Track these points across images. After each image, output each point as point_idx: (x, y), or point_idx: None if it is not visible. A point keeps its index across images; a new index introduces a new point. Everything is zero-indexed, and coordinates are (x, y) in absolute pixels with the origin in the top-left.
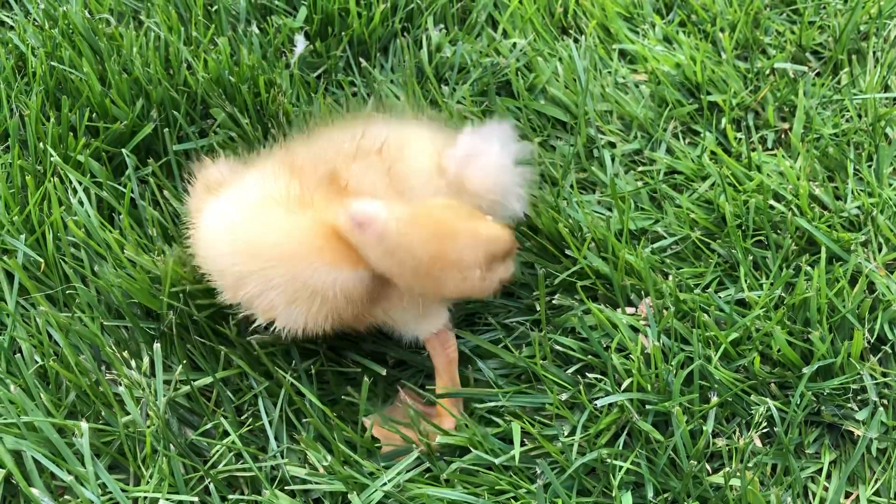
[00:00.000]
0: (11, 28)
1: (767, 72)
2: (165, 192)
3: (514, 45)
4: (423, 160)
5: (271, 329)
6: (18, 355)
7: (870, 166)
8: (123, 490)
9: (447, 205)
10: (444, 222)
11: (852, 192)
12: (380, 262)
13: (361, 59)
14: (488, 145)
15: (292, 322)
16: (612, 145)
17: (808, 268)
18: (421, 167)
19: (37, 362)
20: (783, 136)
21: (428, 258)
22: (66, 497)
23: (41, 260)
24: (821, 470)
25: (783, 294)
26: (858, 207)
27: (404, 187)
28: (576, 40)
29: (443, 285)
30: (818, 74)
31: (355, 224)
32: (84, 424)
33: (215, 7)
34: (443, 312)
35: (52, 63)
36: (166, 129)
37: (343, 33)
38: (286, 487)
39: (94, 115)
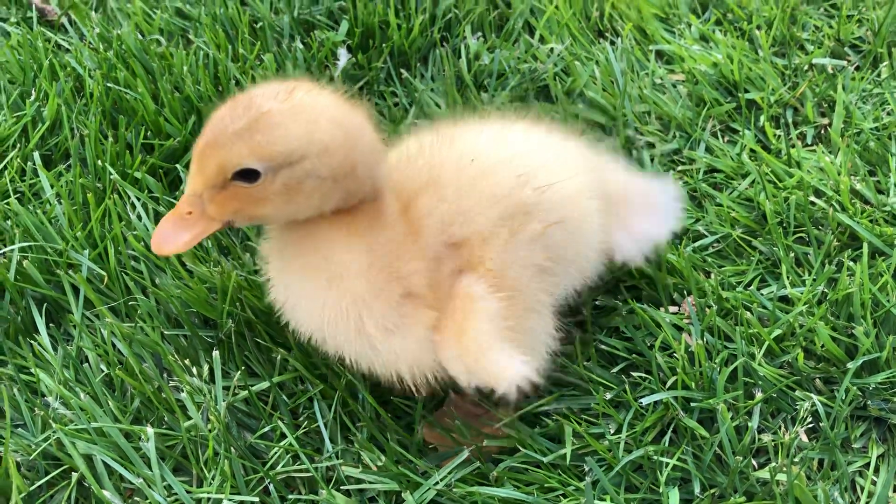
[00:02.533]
0: (68, 51)
1: (805, 68)
2: None
3: (552, 50)
4: (591, 239)
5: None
6: (86, 365)
7: None
8: (188, 491)
9: None
10: None
11: (894, 186)
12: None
13: (402, 70)
14: (662, 229)
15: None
16: (651, 146)
17: (851, 263)
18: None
19: (102, 371)
20: (823, 131)
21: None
22: (135, 498)
23: (104, 273)
24: (868, 464)
25: (826, 290)
26: None
27: (566, 260)
28: (612, 43)
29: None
30: (857, 68)
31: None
32: (150, 429)
33: (260, 24)
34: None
35: (109, 84)
36: None
37: (384, 45)
38: (342, 487)
39: (148, 132)
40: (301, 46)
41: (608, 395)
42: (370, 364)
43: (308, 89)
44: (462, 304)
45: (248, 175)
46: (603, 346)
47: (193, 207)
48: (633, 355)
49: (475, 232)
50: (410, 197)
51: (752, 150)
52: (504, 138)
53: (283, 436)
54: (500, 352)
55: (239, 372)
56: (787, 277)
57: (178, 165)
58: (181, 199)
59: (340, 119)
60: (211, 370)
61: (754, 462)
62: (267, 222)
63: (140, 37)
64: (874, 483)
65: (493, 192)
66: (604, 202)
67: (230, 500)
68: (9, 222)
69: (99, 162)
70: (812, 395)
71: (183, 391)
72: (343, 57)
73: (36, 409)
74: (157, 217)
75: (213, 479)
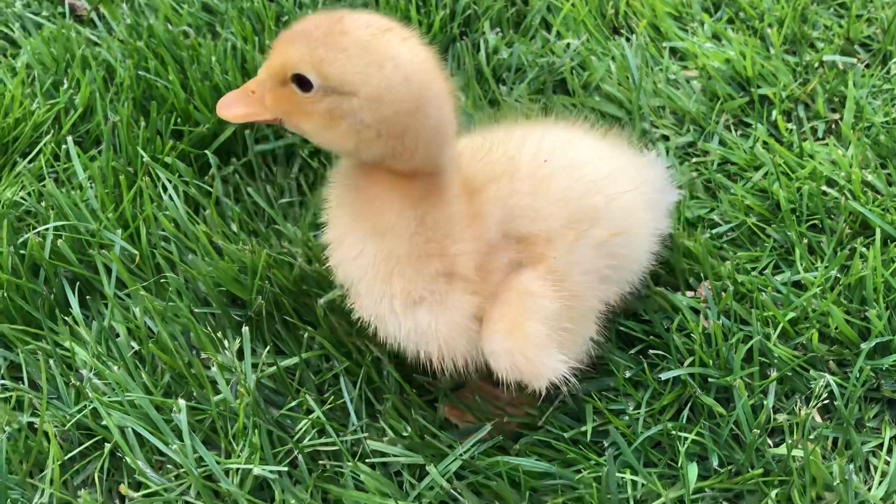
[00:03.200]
0: (97, 45)
1: (816, 65)
2: (249, 189)
3: (568, 45)
4: (646, 249)
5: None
6: (118, 339)
7: None
8: (218, 462)
9: None
10: None
11: None
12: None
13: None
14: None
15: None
16: (666, 138)
17: (864, 249)
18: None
19: (133, 347)
20: (834, 126)
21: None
22: (168, 466)
23: (136, 252)
24: (882, 444)
25: (838, 275)
26: None
27: (624, 269)
28: (627, 39)
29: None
30: (867, 66)
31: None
32: (182, 402)
33: (286, 18)
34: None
35: (139, 72)
36: (247, 131)
37: None
38: (367, 461)
39: (178, 119)
40: None
41: (627, 374)
42: (393, 332)
43: (405, 37)
44: (519, 299)
45: (303, 83)
46: (622, 329)
47: (257, 89)
48: (651, 337)
49: (542, 230)
50: (483, 183)
51: (764, 143)
52: (574, 143)
53: (310, 411)
54: (550, 354)
55: (267, 349)
56: (801, 263)
57: (207, 152)
58: (253, 78)
59: (415, 80)
60: (240, 346)
61: (770, 441)
62: (311, 139)
63: (170, 28)
64: (887, 463)
65: (566, 194)
66: (653, 211)
67: (261, 469)
68: (43, 203)
69: (130, 147)
70: (826, 374)
71: (213, 366)
72: None
73: (71, 380)
74: (188, 198)
75: (241, 451)
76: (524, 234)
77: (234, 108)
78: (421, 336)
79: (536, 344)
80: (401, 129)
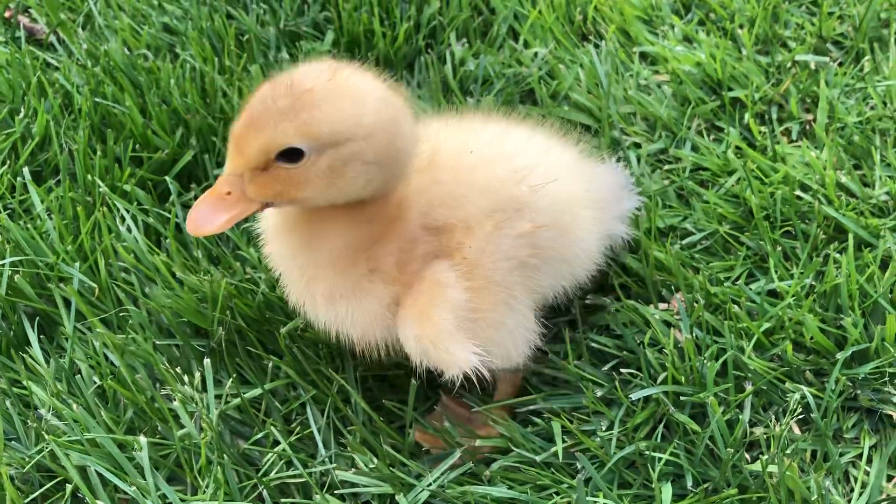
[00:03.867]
0: (56, 68)
1: (789, 65)
2: None
3: (536, 54)
4: (583, 245)
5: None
6: (78, 377)
7: None
8: (182, 500)
9: None
10: None
11: (880, 179)
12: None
13: (388, 78)
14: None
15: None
16: (638, 146)
17: (838, 255)
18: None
19: (95, 383)
20: (808, 127)
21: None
22: None
23: (95, 286)
24: (861, 455)
25: (813, 282)
26: (887, 193)
27: (558, 261)
28: (596, 46)
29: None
30: (840, 64)
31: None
32: (143, 439)
33: (246, 36)
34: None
35: (97, 99)
36: (206, 156)
37: (369, 54)
38: (335, 492)
39: (137, 145)
40: (287, 57)
41: (599, 393)
42: (314, 320)
43: (352, 70)
44: (429, 288)
45: (292, 155)
46: (593, 344)
47: (233, 188)
48: (624, 352)
49: (461, 219)
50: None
51: (737, 148)
52: (507, 136)
53: (276, 442)
54: (457, 342)
55: (231, 380)
56: (775, 271)
57: (166, 178)
58: (219, 180)
59: (390, 102)
60: (203, 379)
61: (747, 455)
62: (307, 205)
63: (127, 52)
64: (867, 473)
65: (488, 183)
66: (600, 212)
67: None
68: None
69: (88, 176)
70: (802, 386)
71: (175, 400)
72: None
73: (29, 421)
74: (147, 228)
75: (206, 487)
76: (442, 224)
77: (213, 219)
78: (340, 325)
79: (444, 333)
80: (395, 153)
